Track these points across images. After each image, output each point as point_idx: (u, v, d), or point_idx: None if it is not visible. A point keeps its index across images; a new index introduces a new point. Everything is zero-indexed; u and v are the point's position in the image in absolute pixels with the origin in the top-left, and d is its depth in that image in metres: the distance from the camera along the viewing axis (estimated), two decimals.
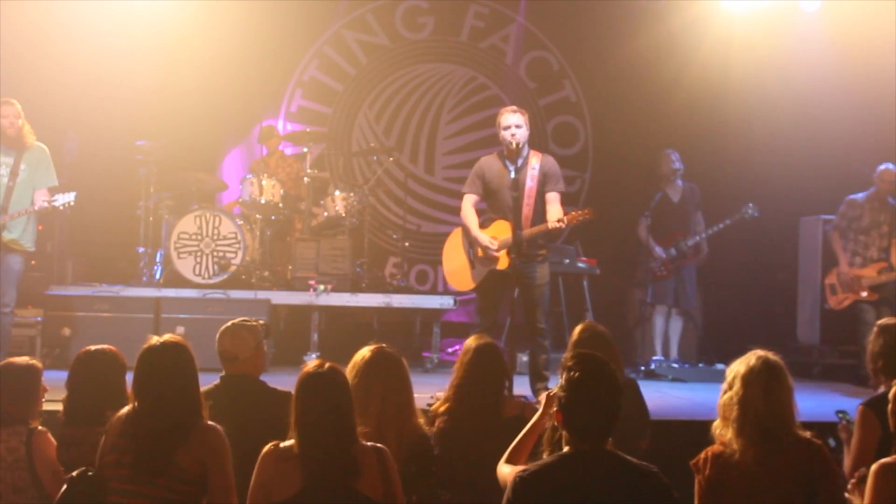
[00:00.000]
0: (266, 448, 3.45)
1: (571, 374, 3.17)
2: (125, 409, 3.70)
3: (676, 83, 9.85)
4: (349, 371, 3.86)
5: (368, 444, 3.46)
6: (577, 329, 4.82)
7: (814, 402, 6.77)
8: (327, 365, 3.51)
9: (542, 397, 3.87)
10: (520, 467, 3.58)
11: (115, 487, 3.56)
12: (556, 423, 3.20)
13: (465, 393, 4.46)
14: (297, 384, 3.48)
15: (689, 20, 9.72)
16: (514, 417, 4.34)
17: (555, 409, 3.20)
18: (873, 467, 3.49)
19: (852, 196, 8.45)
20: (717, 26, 9.66)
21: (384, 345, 4.08)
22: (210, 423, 3.64)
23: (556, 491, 3.07)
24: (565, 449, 3.15)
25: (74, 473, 3.65)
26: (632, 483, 3.09)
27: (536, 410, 4.27)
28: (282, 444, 3.43)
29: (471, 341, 4.62)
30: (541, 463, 3.16)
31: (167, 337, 3.75)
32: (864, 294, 8.26)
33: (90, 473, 3.63)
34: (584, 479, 3.07)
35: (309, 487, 3.33)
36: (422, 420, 4.10)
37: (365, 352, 4.02)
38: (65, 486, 3.65)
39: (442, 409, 4.51)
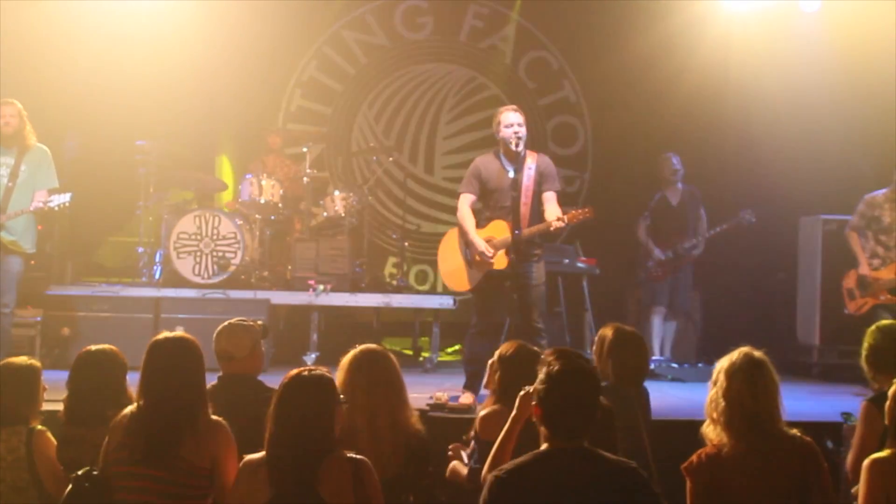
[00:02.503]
0: (243, 460, 3.44)
1: (550, 368, 3.13)
2: (129, 408, 3.72)
3: (676, 83, 9.86)
4: (338, 373, 3.86)
5: (348, 454, 3.40)
6: (609, 331, 4.59)
7: (814, 402, 6.77)
8: (313, 371, 3.46)
9: (518, 398, 3.84)
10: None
11: (125, 485, 3.57)
12: (534, 419, 3.16)
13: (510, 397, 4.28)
14: (278, 389, 3.46)
15: (689, 20, 9.73)
16: None
17: (533, 403, 3.16)
18: (865, 462, 3.52)
19: (871, 194, 8.08)
20: (717, 26, 9.67)
21: (373, 344, 4.08)
22: (216, 418, 3.68)
23: (533, 490, 3.03)
24: (543, 446, 3.11)
25: (79, 473, 3.67)
26: (610, 480, 3.06)
27: None
28: (255, 455, 3.41)
29: (510, 348, 4.37)
30: (517, 462, 3.11)
31: (176, 333, 3.83)
32: (884, 297, 7.96)
33: (94, 473, 3.64)
34: (562, 478, 3.03)
35: (277, 496, 3.29)
36: (415, 419, 4.08)
37: (353, 351, 4.03)
38: (70, 486, 3.66)
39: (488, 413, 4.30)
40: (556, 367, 3.13)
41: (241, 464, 3.45)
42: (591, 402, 3.12)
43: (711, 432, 3.56)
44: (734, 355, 3.59)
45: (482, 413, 4.29)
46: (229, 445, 3.64)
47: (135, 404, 3.72)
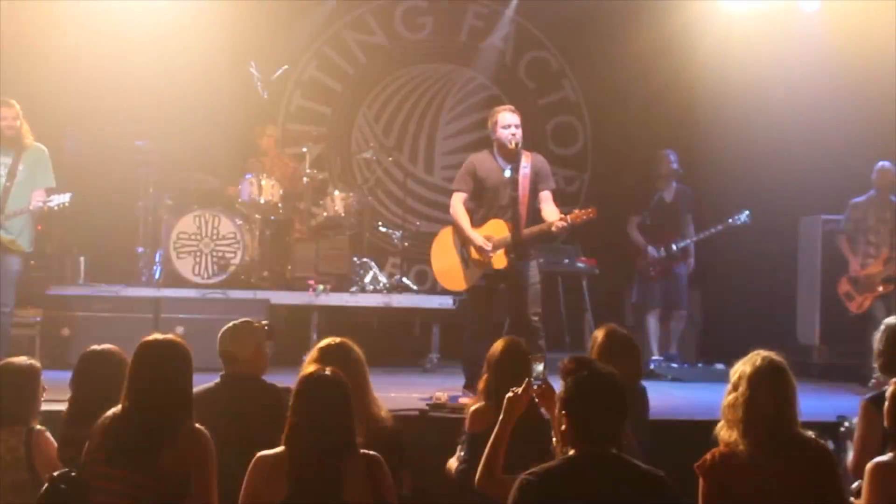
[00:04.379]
0: (256, 457, 3.42)
1: (573, 376, 3.12)
2: (113, 410, 3.68)
3: (676, 83, 9.87)
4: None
5: (361, 451, 3.41)
6: (601, 333, 4.66)
7: (814, 402, 6.76)
8: (328, 369, 3.47)
9: (506, 400, 3.85)
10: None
11: (100, 486, 3.54)
12: (561, 428, 3.15)
13: (497, 395, 4.26)
14: (295, 387, 3.45)
15: (689, 20, 9.73)
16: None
17: (560, 412, 3.15)
18: (868, 466, 3.51)
19: (855, 199, 8.46)
20: (717, 26, 9.66)
21: (334, 339, 4.10)
22: (197, 426, 3.62)
23: (561, 494, 3.02)
24: (571, 452, 3.10)
25: (56, 473, 3.66)
26: (639, 488, 3.05)
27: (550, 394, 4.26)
28: (271, 452, 3.40)
29: (499, 343, 4.47)
30: (547, 466, 3.10)
31: (167, 335, 3.77)
32: (881, 289, 8.20)
33: (73, 474, 3.62)
34: (591, 484, 3.02)
35: (294, 496, 3.29)
36: (384, 413, 4.09)
37: (320, 344, 4.07)
38: (45, 486, 3.65)
39: (476, 409, 4.36)
40: (579, 375, 3.12)
41: (255, 459, 3.42)
42: (616, 408, 3.11)
43: (727, 434, 3.54)
44: (756, 360, 3.54)
45: (472, 408, 4.36)
46: (209, 455, 3.59)
47: (119, 405, 3.68)
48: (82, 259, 8.84)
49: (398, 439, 4.09)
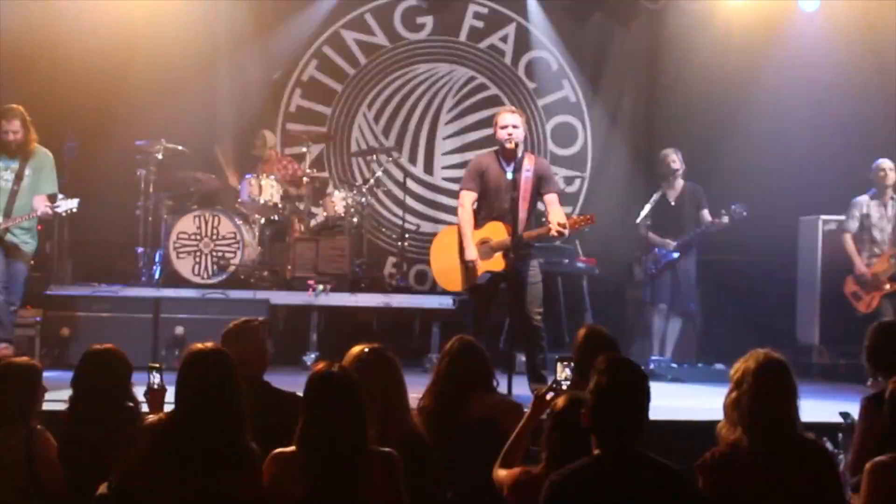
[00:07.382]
0: (272, 454, 3.38)
1: (600, 381, 3.12)
2: (160, 416, 3.51)
3: (676, 83, 9.87)
4: None
5: (378, 449, 3.39)
6: (581, 333, 4.71)
7: (813, 403, 6.75)
8: (338, 366, 3.45)
9: (533, 398, 3.88)
10: (523, 469, 3.58)
11: (145, 501, 3.40)
12: (584, 425, 3.15)
13: (435, 396, 4.34)
14: (306, 386, 3.42)
15: (689, 20, 9.74)
16: (483, 419, 4.21)
17: (582, 411, 3.16)
18: (867, 466, 3.50)
19: (856, 198, 8.49)
20: (717, 26, 9.68)
21: (375, 345, 4.06)
22: (255, 447, 3.43)
23: (588, 494, 3.04)
24: (595, 452, 3.12)
25: (106, 487, 3.49)
26: (664, 485, 3.07)
27: (515, 412, 4.27)
28: (286, 450, 3.36)
29: (451, 343, 4.47)
30: (572, 466, 3.11)
31: (208, 344, 3.60)
32: (888, 287, 8.24)
33: (114, 489, 3.49)
34: (616, 482, 3.05)
35: (313, 495, 3.27)
36: (414, 421, 4.05)
37: (356, 350, 4.00)
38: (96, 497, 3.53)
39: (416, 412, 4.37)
40: (604, 381, 3.11)
41: (270, 456, 3.37)
42: (640, 412, 3.12)
43: (728, 432, 3.54)
44: (759, 356, 3.54)
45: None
46: (258, 479, 3.38)
47: (165, 416, 3.50)
48: (76, 260, 8.84)
49: (426, 447, 4.07)
